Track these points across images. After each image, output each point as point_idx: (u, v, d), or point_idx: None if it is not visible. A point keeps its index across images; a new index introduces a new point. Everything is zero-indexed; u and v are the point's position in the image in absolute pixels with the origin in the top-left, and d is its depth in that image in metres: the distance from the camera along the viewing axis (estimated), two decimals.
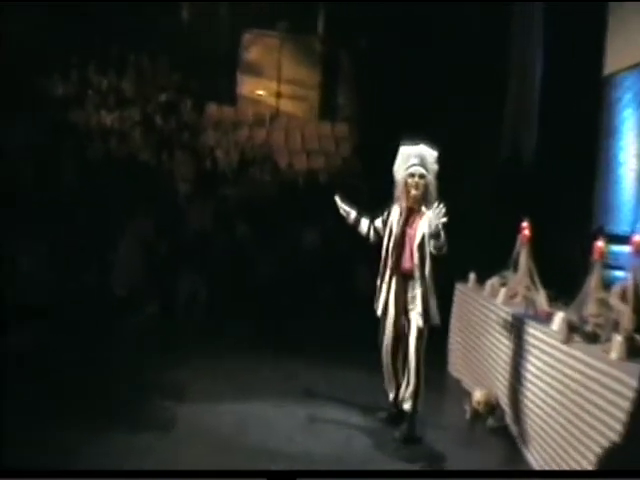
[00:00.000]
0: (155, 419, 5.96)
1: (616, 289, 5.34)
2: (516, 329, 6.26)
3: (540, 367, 5.67)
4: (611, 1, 9.40)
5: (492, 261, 7.46)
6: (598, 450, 4.55)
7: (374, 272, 6.26)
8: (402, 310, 5.97)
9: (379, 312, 6.08)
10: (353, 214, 6.30)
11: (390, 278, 6.01)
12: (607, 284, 5.48)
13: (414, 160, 5.96)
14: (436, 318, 5.91)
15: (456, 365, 8.12)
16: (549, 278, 6.63)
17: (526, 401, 5.88)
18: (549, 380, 5.46)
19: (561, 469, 5.00)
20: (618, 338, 4.89)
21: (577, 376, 4.99)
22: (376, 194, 6.76)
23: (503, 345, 6.56)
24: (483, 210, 11.41)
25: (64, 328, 7.89)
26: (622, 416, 4.37)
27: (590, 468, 4.60)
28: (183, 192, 12.95)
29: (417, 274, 5.87)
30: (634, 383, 4.33)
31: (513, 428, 6.12)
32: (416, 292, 5.87)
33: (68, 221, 10.15)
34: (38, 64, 13.83)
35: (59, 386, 6.36)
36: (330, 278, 11.46)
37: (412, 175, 5.94)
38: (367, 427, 6.16)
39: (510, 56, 12.30)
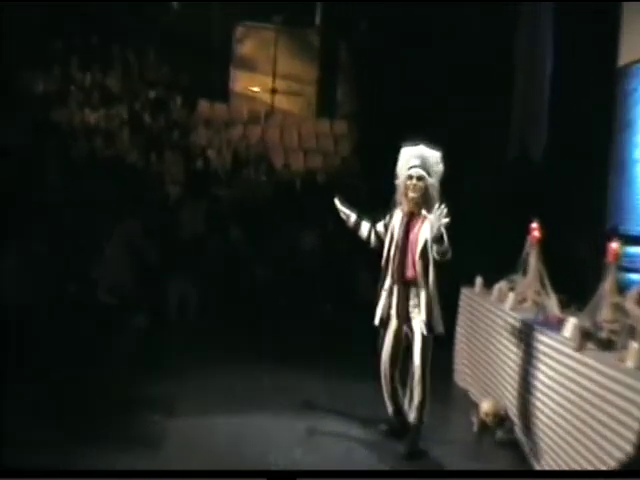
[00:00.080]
0: (143, 435, 5.92)
1: (632, 293, 5.34)
2: (525, 336, 6.25)
3: (551, 376, 5.65)
4: None
5: (500, 264, 7.45)
6: (613, 463, 4.54)
7: (376, 277, 6.25)
8: (404, 319, 5.96)
9: (377, 320, 6.09)
10: (353, 217, 6.30)
11: (391, 285, 6.02)
12: (622, 288, 5.47)
13: (414, 161, 5.97)
14: (440, 327, 5.90)
15: (462, 374, 8.10)
16: (560, 282, 6.62)
17: (537, 412, 5.87)
18: (561, 390, 5.45)
19: None
20: (634, 345, 4.87)
21: (591, 385, 4.98)
22: (377, 195, 6.74)
23: (512, 353, 6.54)
24: (490, 211, 11.41)
25: (45, 338, 7.87)
26: (638, 427, 4.35)
27: None
28: (173, 194, 12.96)
29: (420, 281, 5.86)
30: None
31: (523, 441, 6.10)
32: (419, 300, 5.86)
33: (51, 225, 10.14)
34: (16, 58, 13.81)
35: (39, 400, 6.34)
36: (329, 284, 11.46)
37: (410, 177, 5.94)
38: (368, 440, 6.14)
39: (517, 49, 12.30)
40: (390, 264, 6.01)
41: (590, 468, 4.81)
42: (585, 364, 5.12)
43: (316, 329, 10.17)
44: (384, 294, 6.05)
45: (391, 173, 6.17)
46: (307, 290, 11.22)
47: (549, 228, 6.78)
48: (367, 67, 16.27)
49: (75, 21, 15.50)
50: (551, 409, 5.60)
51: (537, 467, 5.71)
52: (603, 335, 5.29)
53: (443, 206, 5.59)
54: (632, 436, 4.41)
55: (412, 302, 5.91)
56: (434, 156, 6.01)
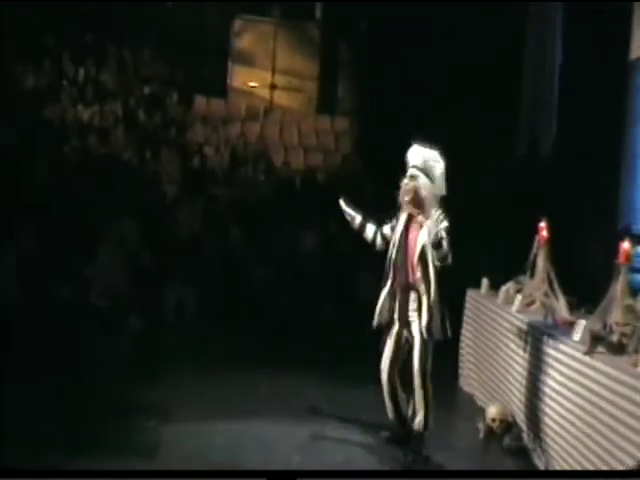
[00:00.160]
0: (138, 441, 5.91)
1: None
2: (533, 340, 6.23)
3: (560, 381, 5.63)
4: None
5: (507, 265, 7.43)
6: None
7: (378, 278, 6.24)
8: (404, 324, 5.97)
9: (375, 323, 6.09)
10: (358, 219, 6.30)
11: (392, 289, 6.03)
12: (634, 289, 5.44)
13: (410, 162, 6.00)
14: (440, 332, 5.87)
15: (468, 379, 8.08)
16: (569, 283, 6.60)
17: (545, 418, 5.84)
18: (570, 395, 5.43)
19: None
20: None
21: (601, 391, 4.95)
22: (380, 194, 6.72)
23: (519, 357, 6.52)
24: (497, 210, 11.39)
25: (37, 341, 7.85)
26: None
27: None
28: (169, 193, 12.96)
29: (420, 286, 5.88)
30: None
31: (531, 448, 6.08)
32: (419, 305, 5.88)
33: (42, 225, 10.14)
34: (8, 53, 13.79)
35: (30, 405, 6.32)
36: (331, 286, 11.45)
37: (405, 177, 5.96)
38: (369, 448, 6.13)
39: (526, 43, 12.28)
40: (390, 268, 6.02)
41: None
42: (595, 368, 5.09)
43: (316, 331, 10.16)
44: (385, 297, 6.06)
45: (394, 171, 6.15)
46: (307, 291, 11.21)
47: (558, 227, 6.76)
48: (369, 62, 16.25)
49: (69, 15, 15.48)
50: (560, 415, 5.58)
51: None
52: (614, 338, 5.26)
53: (440, 211, 5.63)
54: None
55: (412, 306, 5.93)
56: (429, 155, 5.98)
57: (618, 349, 5.21)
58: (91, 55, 16.24)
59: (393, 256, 6.01)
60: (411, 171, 5.94)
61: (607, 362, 5.03)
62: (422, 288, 5.86)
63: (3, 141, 11.14)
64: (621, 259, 5.32)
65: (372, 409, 6.57)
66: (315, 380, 7.83)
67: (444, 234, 5.63)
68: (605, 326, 5.35)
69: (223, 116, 16.78)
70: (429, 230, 5.67)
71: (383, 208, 6.32)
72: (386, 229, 6.18)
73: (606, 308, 5.41)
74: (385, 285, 6.06)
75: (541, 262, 6.67)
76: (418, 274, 5.87)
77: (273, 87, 17.80)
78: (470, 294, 8.33)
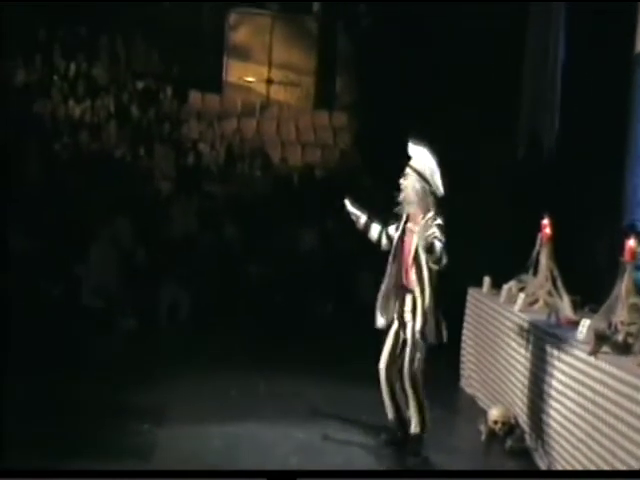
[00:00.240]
0: (130, 445, 5.91)
1: None
2: (536, 339, 6.24)
3: (564, 382, 5.64)
4: None
5: (509, 263, 7.44)
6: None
7: (378, 278, 6.26)
8: (402, 324, 6.01)
9: (379, 324, 6.14)
10: (363, 219, 6.32)
11: (389, 290, 6.07)
12: None
13: (409, 160, 6.02)
14: (433, 336, 5.88)
15: (469, 380, 8.09)
16: (573, 282, 6.61)
17: (548, 420, 5.86)
18: (574, 396, 5.44)
19: None
20: None
21: (606, 392, 4.97)
22: (380, 191, 6.72)
23: (522, 357, 6.53)
24: (499, 208, 11.40)
25: (27, 342, 7.84)
26: None
27: None
28: (163, 191, 12.96)
29: (414, 288, 5.91)
30: None
31: (534, 450, 6.09)
32: (413, 307, 5.91)
33: (32, 224, 10.13)
34: None
35: (21, 407, 6.32)
36: (330, 284, 11.45)
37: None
38: (369, 450, 6.14)
39: (529, 37, 12.30)
40: (388, 269, 6.07)
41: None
42: (600, 369, 5.10)
43: (315, 331, 10.17)
44: (383, 299, 6.10)
45: (393, 167, 6.17)
46: (306, 290, 11.22)
47: (561, 225, 6.77)
48: (367, 56, 16.25)
49: (60, 8, 15.44)
50: (563, 416, 5.59)
51: None
52: (619, 338, 5.27)
53: (431, 214, 5.71)
54: None
55: (407, 308, 5.97)
56: (425, 154, 5.99)
57: (623, 349, 5.21)
58: (83, 50, 16.21)
59: (391, 257, 6.06)
60: (406, 169, 5.98)
61: (612, 362, 5.03)
62: (416, 290, 5.90)
63: None
64: (626, 257, 5.32)
65: (372, 410, 6.58)
66: (314, 380, 7.84)
67: (438, 234, 5.67)
68: (610, 325, 5.35)
69: (218, 111, 16.76)
70: (419, 235, 5.71)
71: (382, 205, 6.33)
72: (391, 229, 6.20)
73: (611, 307, 5.41)
74: (384, 285, 6.09)
75: (544, 260, 6.68)
76: (413, 276, 5.91)
77: (270, 82, 17.78)
78: (472, 293, 8.34)
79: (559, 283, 6.61)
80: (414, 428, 5.98)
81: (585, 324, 5.55)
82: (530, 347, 6.35)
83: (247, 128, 16.51)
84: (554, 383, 5.82)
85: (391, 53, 14.66)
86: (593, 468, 4.98)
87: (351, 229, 6.48)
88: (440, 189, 5.93)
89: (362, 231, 6.35)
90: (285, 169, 14.94)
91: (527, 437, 6.26)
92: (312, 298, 11.22)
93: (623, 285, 5.32)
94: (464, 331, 8.33)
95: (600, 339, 5.28)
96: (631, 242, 5.33)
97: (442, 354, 6.05)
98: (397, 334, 6.04)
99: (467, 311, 8.36)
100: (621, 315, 5.30)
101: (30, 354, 7.67)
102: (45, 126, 13.91)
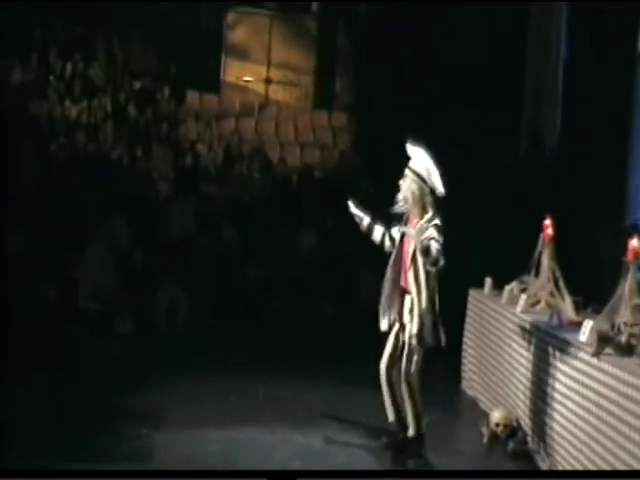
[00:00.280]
0: (129, 449, 5.90)
1: None
2: (538, 341, 6.24)
3: (567, 384, 5.64)
4: None
5: (511, 264, 7.43)
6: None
7: (377, 279, 6.26)
8: (401, 326, 6.02)
9: (383, 327, 6.13)
10: (367, 220, 6.32)
11: (390, 292, 6.08)
12: None
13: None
14: (430, 339, 5.87)
15: (471, 382, 8.09)
16: (576, 282, 6.60)
17: (551, 422, 5.85)
18: (577, 398, 5.43)
19: None
20: None
21: (609, 393, 4.96)
22: (380, 192, 6.72)
23: (524, 359, 6.53)
24: (501, 208, 11.40)
25: (23, 346, 7.83)
26: None
27: None
28: (161, 192, 12.95)
29: (412, 290, 5.91)
30: None
31: (536, 453, 6.09)
32: (410, 310, 5.91)
33: (28, 226, 10.12)
34: None
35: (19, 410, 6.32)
36: (329, 286, 11.44)
37: None
38: (369, 453, 6.13)
39: (530, 34, 12.31)
40: (388, 270, 6.08)
41: None
42: (603, 370, 5.10)
43: (314, 334, 10.16)
44: (385, 300, 6.10)
45: (393, 168, 6.17)
46: (305, 292, 11.21)
47: (563, 225, 6.76)
48: (367, 55, 16.25)
49: (56, 7, 15.44)
50: (566, 419, 5.59)
51: None
52: (622, 339, 5.26)
53: (427, 216, 5.74)
54: None
55: (406, 310, 5.97)
56: (422, 155, 5.99)
57: (627, 350, 5.21)
58: (79, 49, 16.19)
59: (392, 258, 6.08)
60: (405, 170, 5.99)
61: (615, 364, 5.03)
62: (414, 293, 5.91)
63: None
64: (629, 257, 5.31)
65: (372, 412, 6.58)
66: (314, 383, 7.84)
67: (436, 235, 5.67)
68: (613, 326, 5.35)
69: (216, 112, 16.75)
70: (413, 238, 5.72)
71: (382, 207, 6.33)
72: (394, 231, 6.20)
73: (614, 308, 5.41)
74: (385, 287, 6.10)
75: (546, 261, 6.68)
76: (410, 278, 5.92)
77: (268, 81, 17.78)
78: (473, 294, 8.33)
79: (561, 284, 6.60)
80: (411, 432, 5.98)
81: (588, 325, 5.54)
82: (532, 349, 6.35)
83: (245, 128, 16.50)
84: (556, 385, 5.82)
85: (391, 52, 14.65)
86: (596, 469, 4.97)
87: (350, 230, 6.48)
88: (439, 189, 5.91)
89: (365, 233, 6.35)
90: (283, 169, 14.92)
91: (529, 440, 6.26)
92: (311, 300, 11.22)
93: (626, 285, 5.31)
94: (465, 333, 8.33)
95: (603, 340, 5.28)
96: (634, 242, 5.31)
97: (443, 356, 6.04)
98: (397, 336, 6.06)
99: (468, 312, 8.36)
100: (624, 316, 5.29)
101: (28, 357, 7.67)
102: (41, 126, 13.90)
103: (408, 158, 6.02)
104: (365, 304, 10.46)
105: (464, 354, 8.32)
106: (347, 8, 17.20)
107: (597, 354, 5.24)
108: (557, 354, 5.84)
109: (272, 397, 7.42)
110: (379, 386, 6.16)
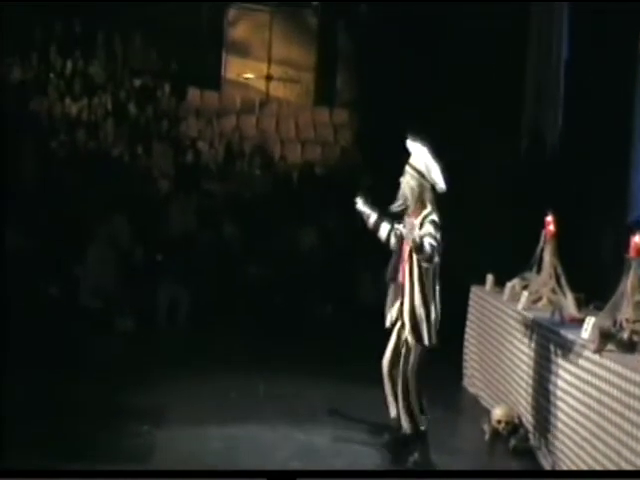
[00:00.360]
0: (130, 447, 5.91)
1: None
2: (540, 338, 6.23)
3: (569, 380, 5.63)
4: None
5: (512, 261, 7.43)
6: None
7: (378, 277, 6.26)
8: (402, 325, 6.01)
9: (387, 323, 6.13)
10: (373, 218, 6.32)
11: (394, 290, 6.08)
12: None
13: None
14: (423, 337, 5.86)
15: (472, 379, 8.09)
16: (578, 279, 6.60)
17: (553, 419, 5.85)
18: (579, 395, 5.43)
19: None
20: None
21: (611, 390, 4.96)
22: (381, 189, 6.71)
23: (525, 356, 6.53)
24: (503, 205, 11.39)
25: (24, 343, 7.84)
26: None
27: None
28: (162, 189, 12.94)
29: (406, 286, 5.91)
30: None
31: (538, 449, 6.09)
32: (405, 306, 5.90)
33: (29, 223, 10.12)
34: None
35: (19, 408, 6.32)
36: (330, 284, 11.44)
37: None
38: (372, 450, 6.13)
39: (531, 31, 12.29)
40: (389, 266, 6.08)
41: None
42: (605, 367, 5.10)
43: (315, 332, 10.17)
44: (390, 296, 6.10)
45: (395, 165, 6.17)
46: (306, 290, 11.21)
47: (565, 222, 6.76)
48: (368, 51, 16.23)
49: (56, 5, 15.43)
50: (568, 415, 5.59)
51: None
52: (624, 336, 5.25)
53: (425, 212, 5.76)
54: None
55: (405, 307, 5.95)
56: (420, 150, 5.98)
57: (629, 347, 5.20)
58: (79, 47, 16.18)
59: (393, 256, 6.08)
60: (405, 167, 5.99)
61: (617, 360, 5.03)
62: (407, 288, 5.91)
63: None
64: (631, 253, 5.30)
65: (373, 410, 6.58)
66: (314, 381, 7.84)
67: (433, 231, 5.67)
68: (615, 323, 5.35)
69: (217, 109, 16.74)
70: (406, 236, 5.72)
71: (383, 203, 6.33)
72: (401, 227, 6.20)
73: (616, 304, 5.40)
74: (390, 284, 6.11)
75: (548, 257, 6.67)
76: (405, 273, 5.93)
77: (269, 78, 17.77)
78: (474, 291, 8.33)
79: (563, 280, 6.60)
80: (407, 429, 5.98)
81: (590, 322, 5.54)
82: (534, 345, 6.34)
83: (246, 125, 16.48)
84: (558, 382, 5.82)
85: (392, 49, 14.63)
86: (598, 467, 4.97)
87: (351, 227, 6.48)
88: (439, 184, 5.90)
89: (372, 230, 6.34)
90: (284, 167, 14.91)
91: (531, 436, 6.26)
92: (312, 297, 11.22)
93: (628, 282, 5.30)
94: (467, 329, 8.33)
95: (605, 337, 5.27)
96: (636, 238, 5.30)
97: (444, 353, 6.04)
98: (399, 333, 6.05)
99: (470, 309, 8.36)
100: (626, 312, 5.29)
101: (29, 355, 7.68)
102: (42, 124, 13.89)
103: (409, 155, 6.02)
104: (365, 302, 10.50)
105: (465, 351, 8.32)
106: (348, 5, 17.18)
107: (599, 351, 5.24)
108: (559, 351, 5.84)
109: (273, 394, 7.43)
110: (380, 383, 6.15)
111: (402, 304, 5.97)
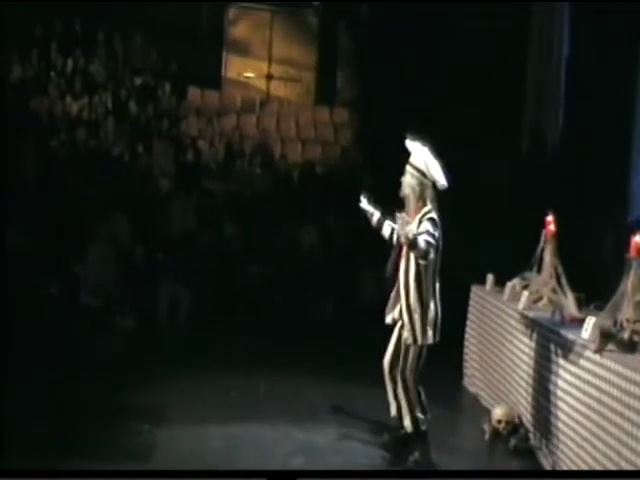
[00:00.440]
0: (130, 445, 5.92)
1: None
2: (541, 337, 6.24)
3: (569, 380, 5.64)
4: None
5: (513, 260, 7.43)
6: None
7: (379, 276, 6.26)
8: (402, 324, 6.01)
9: (387, 320, 6.12)
10: (377, 216, 6.34)
11: (396, 288, 6.07)
12: None
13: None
14: (419, 336, 5.85)
15: (472, 378, 8.09)
16: (578, 279, 6.60)
17: (553, 419, 5.85)
18: (579, 395, 5.44)
19: None
20: None
21: (612, 390, 4.96)
22: (381, 188, 6.71)
23: (526, 356, 6.53)
24: (503, 204, 11.39)
25: (24, 341, 7.84)
26: None
27: None
28: (162, 188, 12.95)
29: (402, 284, 5.92)
30: None
31: (538, 449, 6.09)
32: (402, 304, 5.91)
33: (29, 222, 10.12)
34: None
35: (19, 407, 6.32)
36: (331, 283, 11.45)
37: None
38: (372, 449, 6.14)
39: (532, 30, 12.29)
40: (390, 265, 6.09)
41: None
42: (605, 367, 5.10)
43: (315, 331, 10.17)
44: (392, 295, 6.10)
45: (395, 165, 6.17)
46: (306, 289, 11.21)
47: (565, 221, 6.76)
48: (369, 51, 16.22)
49: (57, 3, 15.42)
50: (568, 415, 5.59)
51: None
52: (625, 336, 5.26)
53: (425, 210, 5.77)
54: None
55: (404, 306, 5.95)
56: (419, 149, 5.99)
57: (629, 347, 5.21)
58: (80, 45, 16.17)
59: (393, 252, 6.08)
60: (406, 166, 6.00)
61: (617, 360, 5.03)
62: (402, 288, 5.92)
63: None
64: (632, 253, 5.30)
65: (373, 409, 6.59)
66: (315, 380, 7.84)
67: (430, 229, 5.68)
68: (615, 323, 5.35)
69: (218, 108, 16.73)
70: (398, 232, 5.72)
71: (383, 203, 6.34)
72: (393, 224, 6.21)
73: (616, 304, 5.41)
74: (390, 280, 6.10)
75: (548, 257, 6.67)
76: (401, 271, 5.94)
77: (269, 77, 17.77)
78: (475, 291, 8.33)
79: (563, 280, 6.60)
80: (408, 428, 5.98)
81: (590, 322, 5.54)
82: (534, 345, 6.35)
83: (247, 124, 16.47)
84: (559, 381, 5.82)
85: (393, 48, 14.62)
86: (598, 467, 4.98)
87: (351, 226, 6.49)
88: (440, 181, 5.90)
89: (376, 228, 6.35)
90: (285, 166, 14.91)
91: (531, 436, 6.26)
92: (312, 296, 11.22)
93: (629, 282, 5.30)
94: (467, 329, 8.33)
95: (605, 337, 5.28)
96: (637, 238, 5.31)
97: (445, 352, 6.04)
98: (400, 332, 6.05)
99: (470, 309, 8.36)
100: (627, 312, 5.29)
101: (29, 353, 7.67)
102: (42, 123, 13.88)
103: (409, 154, 6.03)
104: (366, 302, 10.50)
105: (466, 350, 8.32)
106: (348, 4, 17.17)
107: (599, 351, 5.24)
108: (559, 351, 5.84)
109: (273, 393, 7.44)
110: (380, 382, 6.16)
111: (401, 302, 5.98)
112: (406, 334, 5.87)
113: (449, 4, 12.81)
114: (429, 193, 5.90)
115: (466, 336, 8.33)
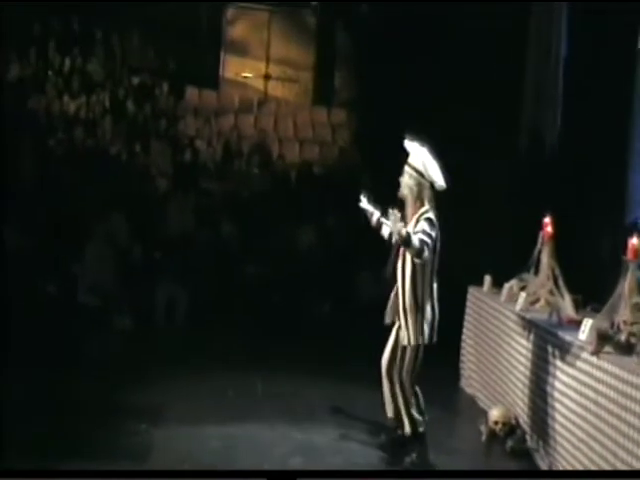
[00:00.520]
0: (127, 445, 5.92)
1: None
2: (538, 339, 6.25)
3: (566, 382, 5.65)
4: None
5: (510, 262, 7.44)
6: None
7: (377, 276, 6.27)
8: (399, 324, 6.02)
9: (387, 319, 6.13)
10: (376, 215, 6.35)
11: (396, 287, 6.06)
12: None
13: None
14: (414, 337, 5.86)
15: (470, 380, 8.10)
16: (575, 281, 6.61)
17: (550, 421, 5.87)
18: (576, 397, 5.45)
19: None
20: None
21: (609, 392, 4.98)
22: (379, 189, 6.73)
23: (523, 357, 6.54)
24: (500, 205, 11.40)
25: (21, 341, 7.85)
26: None
27: None
28: (160, 188, 12.95)
29: (399, 283, 5.92)
30: None
31: (535, 451, 6.10)
32: (398, 305, 5.91)
33: (27, 221, 10.12)
34: None
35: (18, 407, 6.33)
36: (329, 283, 11.45)
37: None
38: (369, 450, 6.15)
39: (530, 29, 12.30)
40: (389, 265, 6.09)
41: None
42: (602, 369, 5.12)
43: (313, 331, 10.17)
44: (391, 295, 6.10)
45: (393, 165, 6.18)
46: (304, 289, 11.22)
47: (563, 223, 6.77)
48: (367, 51, 16.23)
49: (55, 2, 15.41)
50: (565, 417, 5.61)
51: None
52: (622, 338, 5.26)
53: (422, 210, 5.77)
54: None
55: (401, 306, 5.96)
56: (417, 149, 6.01)
57: (626, 349, 5.21)
58: (77, 44, 16.16)
59: (392, 252, 6.07)
60: (404, 167, 6.01)
61: (614, 362, 5.04)
62: (399, 287, 5.93)
63: None
64: (629, 255, 5.31)
65: (371, 409, 6.60)
66: (313, 380, 7.85)
67: (427, 229, 5.70)
68: (612, 325, 5.36)
69: (215, 108, 16.72)
70: (391, 229, 5.73)
71: (382, 203, 6.34)
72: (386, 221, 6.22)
73: (613, 306, 5.41)
74: (392, 283, 6.12)
75: (546, 259, 6.68)
76: (398, 271, 5.94)
77: (267, 77, 17.76)
78: (472, 292, 8.34)
79: (561, 282, 6.61)
80: (405, 429, 6.00)
81: (587, 323, 5.56)
82: (531, 347, 6.36)
83: (244, 124, 16.47)
84: (555, 383, 5.83)
85: (391, 48, 14.62)
86: (594, 469, 4.99)
87: (349, 226, 6.50)
88: (438, 182, 5.91)
89: (375, 227, 6.36)
90: (282, 166, 14.91)
91: (528, 438, 6.28)
92: (310, 296, 11.22)
93: (626, 284, 5.31)
94: (464, 330, 8.34)
95: (602, 339, 5.29)
96: (634, 240, 5.32)
97: (442, 353, 6.05)
98: (397, 332, 6.06)
99: (467, 310, 8.37)
100: (624, 314, 5.30)
101: (27, 353, 7.68)
102: (40, 122, 13.88)
103: (407, 154, 6.04)
104: (364, 302, 10.50)
105: (463, 352, 8.34)
106: (346, 4, 17.17)
107: (596, 352, 5.26)
108: (556, 352, 5.86)
109: (271, 393, 7.45)
110: (378, 383, 6.17)
111: (398, 302, 5.99)
112: (402, 334, 5.89)
113: (447, 4, 12.82)
114: (427, 193, 5.92)
115: (463, 337, 8.34)
